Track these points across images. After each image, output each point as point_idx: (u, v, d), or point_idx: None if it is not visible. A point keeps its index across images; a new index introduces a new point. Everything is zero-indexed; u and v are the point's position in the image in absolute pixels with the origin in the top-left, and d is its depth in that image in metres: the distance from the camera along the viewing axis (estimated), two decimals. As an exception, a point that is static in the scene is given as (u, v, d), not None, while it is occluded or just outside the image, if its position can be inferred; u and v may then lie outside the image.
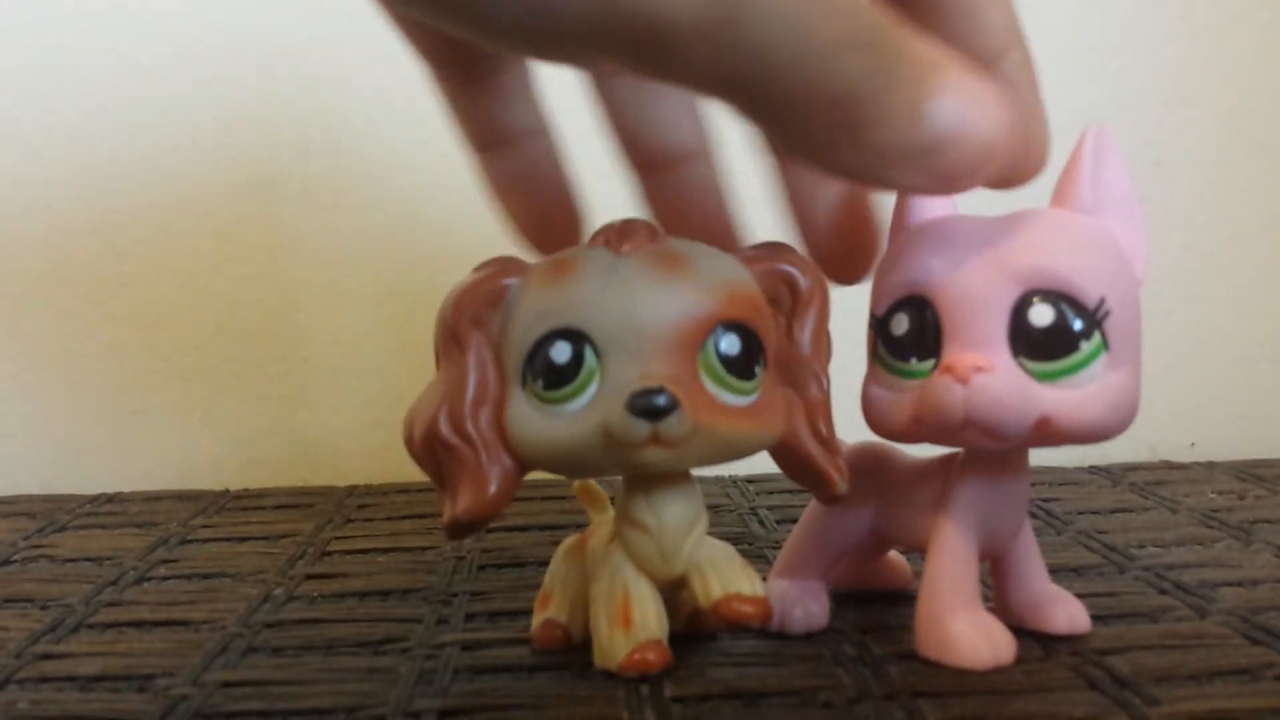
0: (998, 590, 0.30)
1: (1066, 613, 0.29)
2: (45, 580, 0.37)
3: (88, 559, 0.39)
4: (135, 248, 0.51)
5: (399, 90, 0.48)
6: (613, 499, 0.30)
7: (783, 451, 0.27)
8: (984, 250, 0.27)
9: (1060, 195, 0.28)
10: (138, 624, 0.32)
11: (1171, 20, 0.53)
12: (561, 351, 0.25)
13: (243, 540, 0.41)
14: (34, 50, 0.50)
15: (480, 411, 0.26)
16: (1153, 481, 0.47)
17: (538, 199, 0.31)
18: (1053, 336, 0.26)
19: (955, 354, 0.26)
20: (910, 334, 0.27)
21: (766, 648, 0.29)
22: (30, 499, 0.48)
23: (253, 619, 0.32)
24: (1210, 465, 0.49)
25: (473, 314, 0.26)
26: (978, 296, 0.26)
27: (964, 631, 0.28)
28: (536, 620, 0.30)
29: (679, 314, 0.25)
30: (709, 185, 0.32)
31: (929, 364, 0.27)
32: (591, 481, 0.32)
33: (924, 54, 0.23)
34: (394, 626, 0.31)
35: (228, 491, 0.49)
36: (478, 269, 0.27)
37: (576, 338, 0.25)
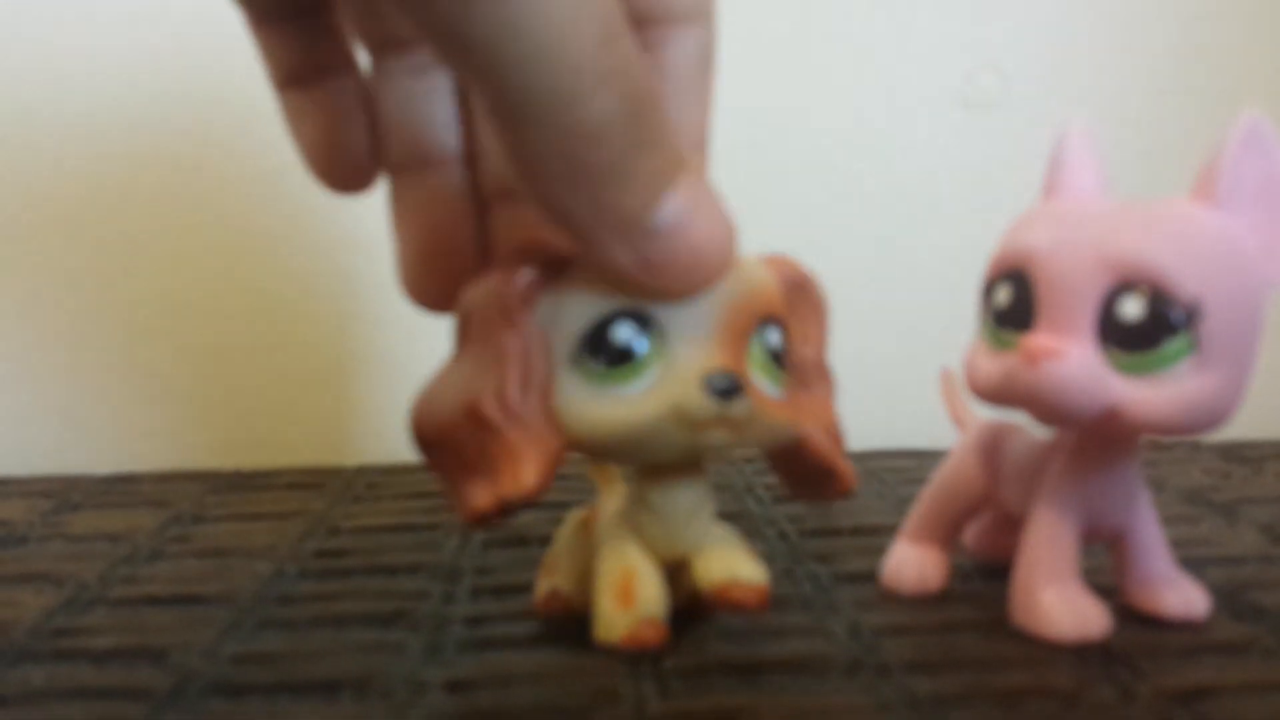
0: (1116, 571, 0.31)
1: (1181, 596, 0.30)
2: (60, 558, 0.37)
3: (102, 537, 0.40)
4: (147, 234, 0.51)
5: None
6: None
7: (800, 449, 0.28)
8: (1088, 234, 0.26)
9: (1198, 184, 0.27)
10: (151, 600, 0.33)
11: (1159, 9, 0.53)
12: (624, 332, 0.25)
13: (254, 518, 0.42)
14: (41, 37, 0.50)
15: (528, 391, 0.25)
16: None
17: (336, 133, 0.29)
18: (1137, 330, 0.26)
19: (1038, 334, 0.27)
20: (1009, 306, 0.28)
21: (763, 623, 0.30)
22: (45, 479, 0.49)
23: (264, 594, 0.33)
24: (1196, 446, 0.50)
25: (523, 293, 0.26)
26: (1071, 280, 0.26)
27: (1053, 604, 0.28)
28: (541, 588, 0.30)
29: (734, 304, 0.26)
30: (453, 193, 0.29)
31: (1019, 338, 0.27)
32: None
33: (677, 144, 0.23)
34: (401, 602, 0.32)
35: (239, 471, 0.50)
36: (520, 250, 0.27)
37: (638, 319, 0.25)
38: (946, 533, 0.33)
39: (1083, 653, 0.27)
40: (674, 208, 0.23)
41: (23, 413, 0.52)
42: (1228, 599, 0.31)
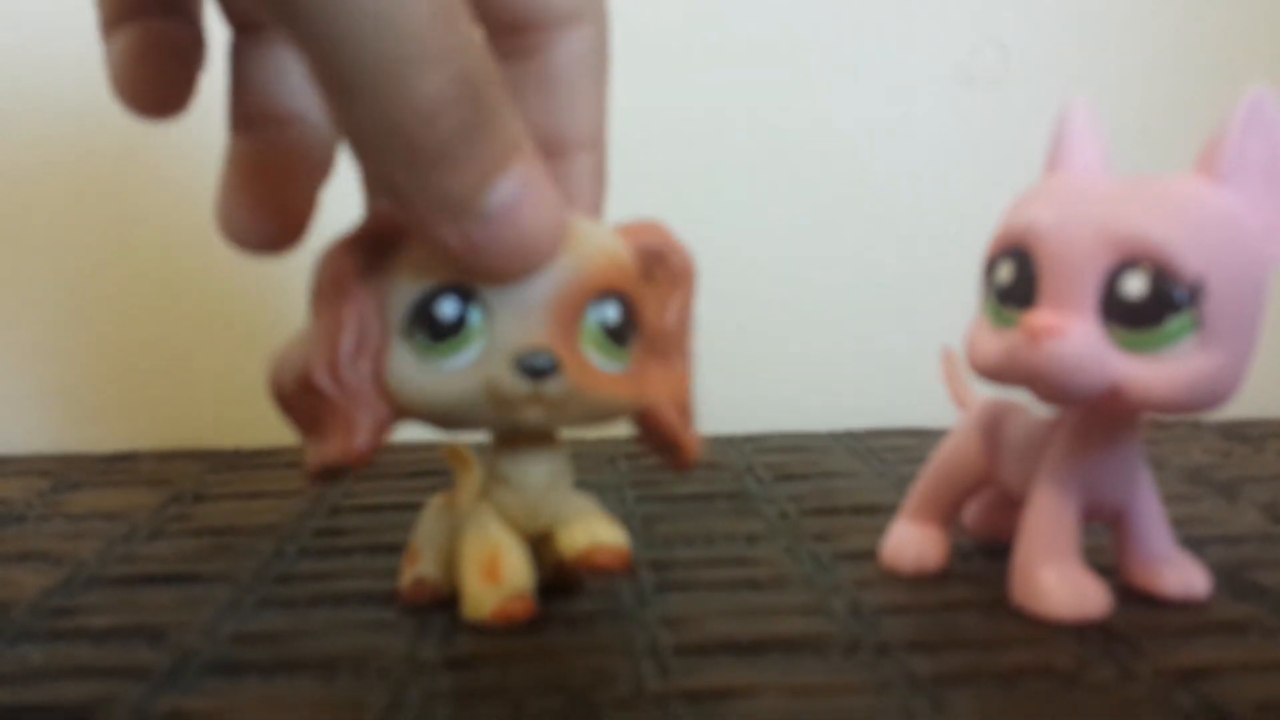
0: (1116, 550, 0.31)
1: (1181, 576, 0.29)
2: (59, 537, 0.37)
3: (101, 516, 0.40)
4: (146, 213, 0.51)
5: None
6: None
7: (646, 420, 0.28)
8: (1090, 211, 0.26)
9: (1201, 161, 0.27)
10: (150, 579, 0.33)
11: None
12: (449, 307, 0.25)
13: (254, 497, 0.42)
14: (34, 21, 0.50)
15: (359, 360, 0.26)
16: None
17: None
18: (1139, 307, 0.26)
19: (1041, 312, 0.26)
20: (1012, 283, 0.28)
21: (763, 601, 0.30)
22: (44, 458, 0.49)
23: (264, 573, 0.33)
24: (1196, 425, 0.50)
25: (360, 262, 0.26)
26: (1073, 257, 0.26)
27: (1052, 583, 0.28)
28: (406, 576, 0.30)
29: (566, 280, 0.26)
30: None
31: (1021, 315, 0.27)
32: (460, 445, 0.32)
33: (514, 127, 0.23)
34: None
35: (239, 450, 0.50)
36: (368, 218, 0.27)
37: (464, 294, 0.25)
38: (947, 512, 0.33)
39: (1083, 632, 0.27)
40: (504, 193, 0.23)
41: (21, 391, 0.52)
42: (1228, 578, 0.31)
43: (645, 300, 0.27)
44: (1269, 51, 0.54)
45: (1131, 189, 0.27)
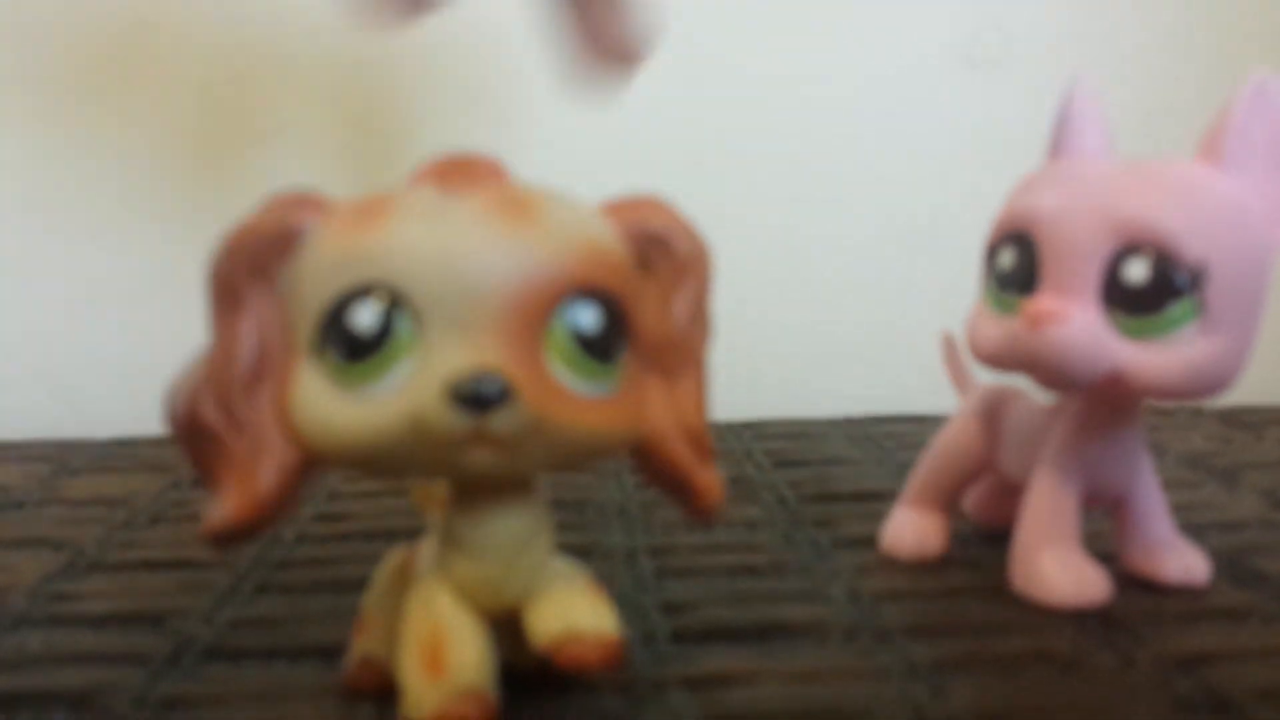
0: (1117, 537, 0.31)
1: (1181, 562, 0.30)
2: (58, 523, 0.37)
3: (100, 502, 0.40)
4: (148, 198, 0.51)
5: None
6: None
7: (645, 454, 0.23)
8: (1092, 197, 0.26)
9: (1204, 146, 0.27)
10: (149, 565, 0.33)
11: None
12: (367, 314, 0.20)
13: (252, 483, 0.42)
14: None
15: (257, 388, 0.21)
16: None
17: None
18: (1140, 293, 0.26)
19: (1041, 297, 0.26)
20: (1013, 269, 0.28)
21: (763, 588, 0.30)
22: (43, 444, 0.49)
23: (262, 559, 0.33)
24: (1197, 412, 0.50)
25: (254, 262, 0.21)
26: (1075, 243, 0.26)
27: (1053, 569, 0.28)
28: (354, 653, 0.25)
29: (522, 274, 0.20)
30: None
31: (1023, 301, 0.27)
32: (433, 485, 0.25)
33: None
34: (399, 567, 0.32)
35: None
36: (265, 205, 0.22)
37: (387, 297, 0.20)
38: (946, 498, 0.33)
39: (1082, 618, 0.27)
40: None
41: (20, 378, 0.52)
42: (1228, 564, 0.31)
43: (640, 299, 0.22)
44: (1272, 36, 0.53)
45: (1134, 174, 0.27)
